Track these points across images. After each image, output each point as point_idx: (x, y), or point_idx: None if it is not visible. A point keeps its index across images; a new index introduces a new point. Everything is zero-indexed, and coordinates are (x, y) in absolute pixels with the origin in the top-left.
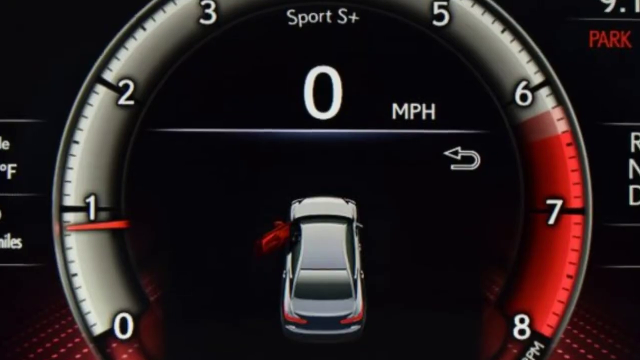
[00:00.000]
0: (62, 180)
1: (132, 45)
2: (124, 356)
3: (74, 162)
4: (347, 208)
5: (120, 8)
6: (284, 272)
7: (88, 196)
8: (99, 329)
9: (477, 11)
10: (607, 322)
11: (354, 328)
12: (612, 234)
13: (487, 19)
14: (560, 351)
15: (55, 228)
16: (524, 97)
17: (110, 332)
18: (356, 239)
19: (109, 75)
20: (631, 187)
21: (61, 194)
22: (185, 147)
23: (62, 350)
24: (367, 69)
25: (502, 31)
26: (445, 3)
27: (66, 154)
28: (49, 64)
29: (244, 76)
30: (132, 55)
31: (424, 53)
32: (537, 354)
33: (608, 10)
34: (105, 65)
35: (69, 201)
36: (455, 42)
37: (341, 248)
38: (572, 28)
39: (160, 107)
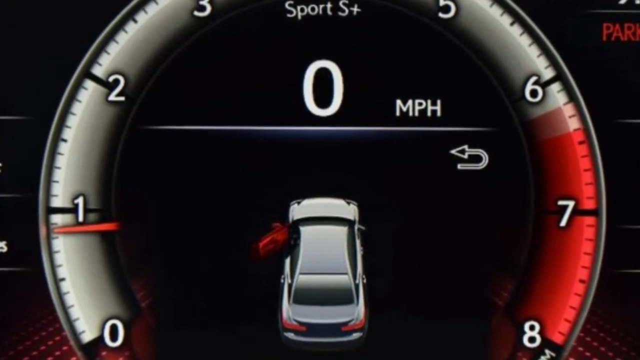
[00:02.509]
0: (49, 180)
1: (122, 38)
2: None
3: (61, 161)
4: (348, 209)
5: None
6: (282, 276)
7: (76, 197)
8: (88, 336)
9: (485, 3)
10: (621, 329)
11: (356, 335)
12: (627, 236)
13: (495, 11)
14: None
15: (42, 230)
16: (534, 93)
17: (99, 340)
18: (358, 242)
19: (98, 70)
20: None
21: (48, 194)
22: (178, 145)
23: (50, 358)
24: (369, 64)
25: (511, 24)
26: None
27: (53, 152)
28: (35, 58)
29: (240, 71)
30: (122, 49)
31: (429, 47)
32: None
33: (622, 1)
34: (94, 59)
35: (56, 202)
36: (462, 35)
37: (342, 251)
38: (584, 20)
39: (152, 103)
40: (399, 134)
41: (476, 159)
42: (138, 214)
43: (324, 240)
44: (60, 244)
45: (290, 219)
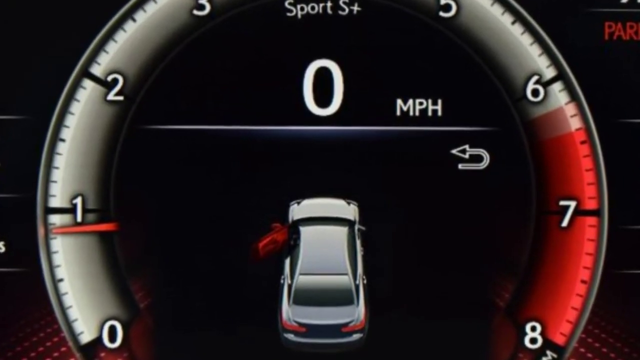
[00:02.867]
0: (47, 180)
1: (121, 37)
2: None
3: (60, 161)
4: (348, 210)
5: None
6: (282, 277)
7: (75, 197)
8: (86, 337)
9: (486, 2)
10: (623, 330)
11: (356, 336)
12: (629, 236)
13: (496, 10)
14: None
15: (40, 231)
16: (535, 93)
17: (98, 341)
18: (358, 243)
19: (96, 70)
20: None
21: (46, 194)
22: (177, 145)
23: (47, 359)
24: (369, 63)
25: (513, 23)
26: None
27: (52, 152)
28: (33, 57)
29: (240, 70)
30: (121, 48)
31: (430, 46)
32: None
33: (624, 0)
34: (92, 58)
35: (54, 202)
36: (463, 34)
37: (342, 252)
38: (586, 19)
39: (151, 102)
40: (400, 133)
41: (477, 158)
42: (137, 214)
43: (324, 240)
44: (58, 244)
45: (290, 219)
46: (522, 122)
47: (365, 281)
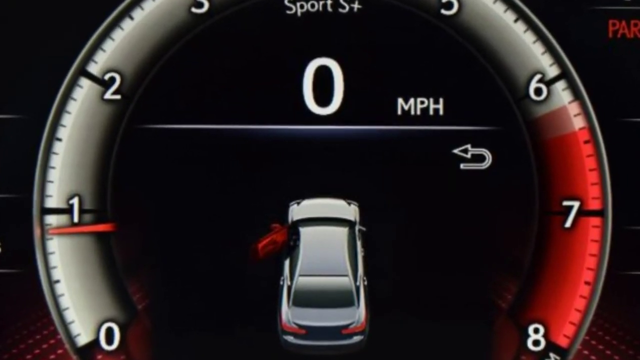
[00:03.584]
0: (43, 181)
1: (118, 35)
2: None
3: (56, 160)
4: (348, 210)
5: None
6: (282, 278)
7: (71, 197)
8: (83, 339)
9: None
10: (628, 332)
11: (357, 338)
12: (633, 237)
13: (499, 8)
14: None
15: (37, 231)
16: (538, 91)
17: (95, 343)
18: (359, 243)
19: (93, 68)
20: None
21: (43, 195)
22: (175, 144)
23: None
24: (370, 61)
25: (515, 20)
26: None
27: (48, 152)
28: (29, 56)
29: (239, 69)
30: (118, 46)
31: (431, 44)
32: None
33: None
34: (89, 57)
35: (51, 202)
36: (465, 32)
37: (342, 253)
38: (590, 17)
39: (148, 101)
40: (401, 133)
41: (479, 158)
42: (134, 215)
43: (324, 241)
44: (54, 245)
45: (290, 220)
46: (524, 121)
47: (365, 282)
